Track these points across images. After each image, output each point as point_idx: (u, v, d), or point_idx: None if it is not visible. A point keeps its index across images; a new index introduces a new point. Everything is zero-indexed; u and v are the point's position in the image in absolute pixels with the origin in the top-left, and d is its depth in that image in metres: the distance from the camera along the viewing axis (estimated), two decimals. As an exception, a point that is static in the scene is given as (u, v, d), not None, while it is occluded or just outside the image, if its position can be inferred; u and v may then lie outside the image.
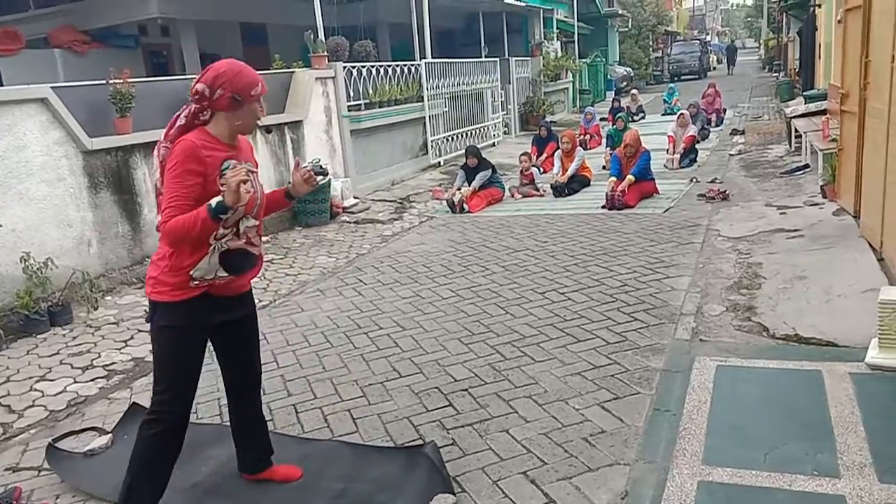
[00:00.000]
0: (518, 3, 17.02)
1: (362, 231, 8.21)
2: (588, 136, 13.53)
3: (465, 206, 8.77)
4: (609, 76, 26.76)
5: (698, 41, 38.39)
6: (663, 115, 16.90)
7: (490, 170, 9.20)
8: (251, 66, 2.58)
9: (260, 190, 2.62)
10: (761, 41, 42.74)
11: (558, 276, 5.70)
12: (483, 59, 15.34)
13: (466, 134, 13.46)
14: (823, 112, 8.99)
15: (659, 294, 5.03)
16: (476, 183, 9.01)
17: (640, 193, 8.33)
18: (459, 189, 9.03)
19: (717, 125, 14.80)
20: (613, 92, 24.68)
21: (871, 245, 5.32)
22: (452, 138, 12.92)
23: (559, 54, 21.13)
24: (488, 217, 8.45)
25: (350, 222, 8.61)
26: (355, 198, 9.40)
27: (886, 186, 4.83)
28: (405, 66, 11.38)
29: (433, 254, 6.87)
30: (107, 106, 6.40)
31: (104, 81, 6.46)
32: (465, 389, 3.80)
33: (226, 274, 2.55)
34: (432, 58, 12.39)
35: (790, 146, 10.75)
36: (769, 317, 4.36)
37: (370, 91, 10.33)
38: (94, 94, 6.41)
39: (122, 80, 6.42)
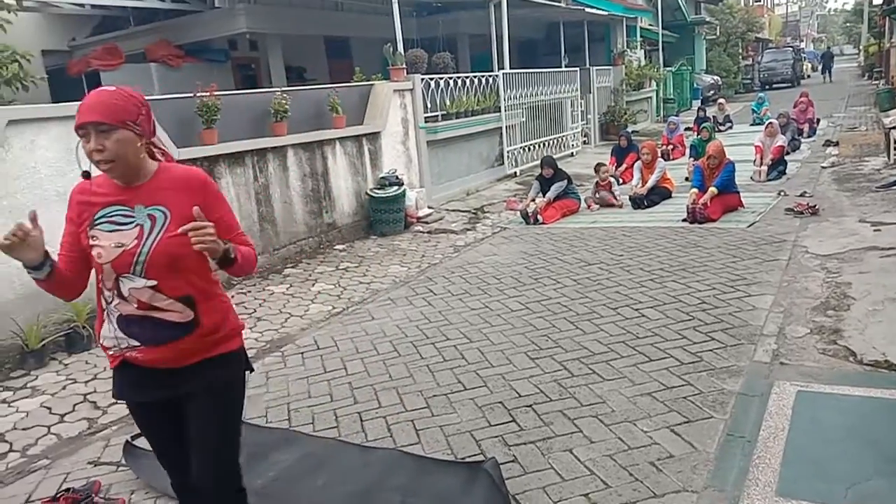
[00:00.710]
0: (600, 12, 16.77)
1: (435, 241, 8.26)
2: (671, 147, 13.18)
3: (540, 217, 8.68)
4: (695, 84, 26.00)
5: (791, 48, 36.79)
6: (752, 125, 16.26)
7: (566, 181, 9.08)
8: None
9: (150, 245, 2.08)
10: (861, 47, 40.54)
11: (632, 292, 5.55)
12: (563, 68, 15.19)
13: (544, 144, 13.35)
14: (927, 122, 8.45)
15: (739, 313, 4.82)
16: (551, 194, 8.90)
17: (724, 206, 8.03)
18: (534, 200, 8.96)
19: (809, 136, 14.10)
20: (699, 101, 23.96)
21: (976, 266, 4.96)
22: (529, 148, 12.84)
23: (642, 63, 20.70)
24: (562, 229, 8.33)
25: (423, 232, 8.69)
26: (430, 208, 9.48)
27: None
28: (482, 76, 11.41)
29: (504, 265, 6.82)
30: (194, 118, 6.69)
31: (191, 95, 6.76)
32: (530, 405, 3.75)
33: (137, 343, 2.15)
34: (511, 68, 12.36)
35: (889, 158, 10.13)
36: (857, 341, 4.11)
37: (447, 102, 10.40)
38: (183, 107, 6.72)
39: (208, 94, 6.71)
